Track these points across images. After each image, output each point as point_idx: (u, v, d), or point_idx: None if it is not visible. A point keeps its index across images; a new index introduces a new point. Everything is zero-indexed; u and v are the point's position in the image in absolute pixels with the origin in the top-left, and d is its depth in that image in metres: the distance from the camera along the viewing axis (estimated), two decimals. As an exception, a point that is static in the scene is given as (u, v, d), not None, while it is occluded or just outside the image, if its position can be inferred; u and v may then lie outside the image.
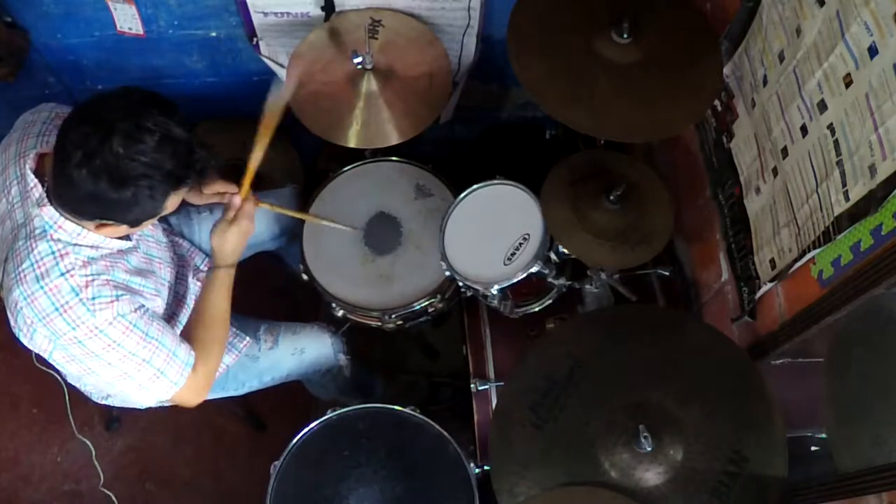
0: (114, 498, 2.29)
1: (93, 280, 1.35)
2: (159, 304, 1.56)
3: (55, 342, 1.35)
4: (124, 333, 1.38)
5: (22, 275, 1.33)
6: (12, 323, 1.38)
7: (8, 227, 1.41)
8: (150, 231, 1.61)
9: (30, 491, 2.35)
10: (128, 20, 1.96)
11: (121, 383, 1.43)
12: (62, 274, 1.33)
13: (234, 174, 1.93)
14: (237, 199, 1.61)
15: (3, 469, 2.37)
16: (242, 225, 1.59)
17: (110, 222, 1.34)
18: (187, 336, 1.55)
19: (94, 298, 1.34)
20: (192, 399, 1.55)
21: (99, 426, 2.37)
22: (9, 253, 1.38)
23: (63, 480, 2.36)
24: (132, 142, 1.24)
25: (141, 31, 1.99)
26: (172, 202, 1.36)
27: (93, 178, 1.24)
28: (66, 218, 1.34)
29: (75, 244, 1.36)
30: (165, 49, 2.07)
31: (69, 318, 1.32)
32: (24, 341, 1.39)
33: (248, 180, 1.63)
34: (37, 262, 1.33)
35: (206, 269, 1.82)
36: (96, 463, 2.34)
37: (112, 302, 1.36)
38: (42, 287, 1.32)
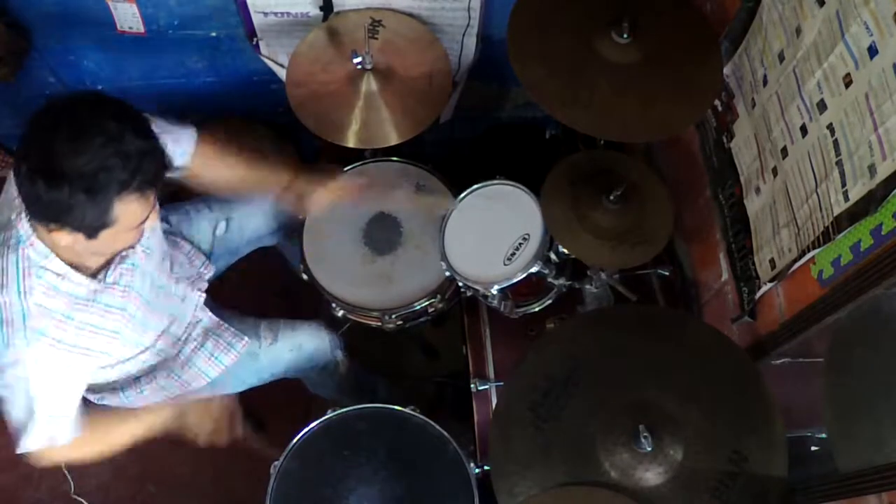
0: (111, 499, 2.29)
1: (44, 314, 1.34)
2: (111, 344, 1.50)
3: None
4: (39, 374, 1.35)
5: None
6: None
7: (4, 218, 1.40)
8: (141, 262, 1.53)
9: (30, 491, 2.34)
10: (128, 19, 1.96)
11: (13, 412, 1.40)
12: (19, 293, 1.31)
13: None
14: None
15: (3, 469, 2.36)
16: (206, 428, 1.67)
17: (59, 227, 1.26)
18: (95, 418, 1.54)
19: (37, 332, 1.33)
20: (35, 457, 1.48)
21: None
22: None
23: (63, 480, 2.36)
24: (75, 138, 1.19)
25: (142, 30, 1.99)
26: (123, 212, 1.26)
27: (30, 175, 1.20)
28: (39, 236, 1.32)
29: (41, 267, 1.34)
30: (165, 49, 2.07)
31: (5, 334, 1.32)
32: None
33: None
34: (3, 269, 1.32)
35: (205, 272, 1.82)
36: (96, 463, 2.34)
37: (52, 345, 1.35)
38: None
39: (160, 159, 1.29)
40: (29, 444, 1.43)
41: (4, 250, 1.33)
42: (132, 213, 1.29)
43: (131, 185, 1.24)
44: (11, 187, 1.41)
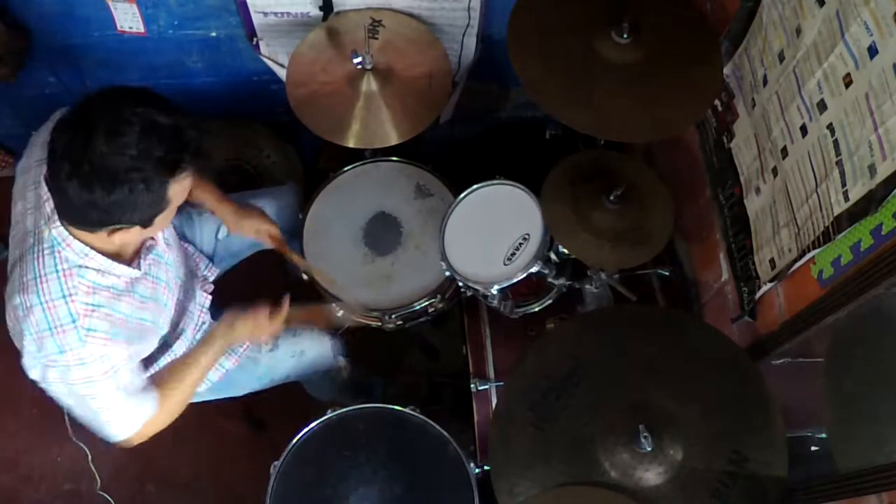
0: (112, 499, 2.29)
1: (92, 311, 1.33)
2: (157, 332, 1.54)
3: (37, 359, 1.33)
4: (104, 374, 1.36)
5: (25, 285, 1.31)
6: (8, 323, 1.37)
7: (21, 232, 1.40)
8: (164, 251, 1.56)
9: (30, 491, 2.34)
10: (128, 19, 1.96)
11: (82, 416, 1.43)
12: (64, 296, 1.31)
13: (234, 174, 1.93)
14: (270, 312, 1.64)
15: (3, 469, 2.36)
16: (260, 335, 1.65)
17: (120, 226, 1.29)
18: (161, 378, 1.55)
19: (89, 330, 1.32)
20: (132, 441, 1.51)
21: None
22: (17, 258, 1.36)
23: (63, 480, 2.36)
24: (114, 137, 1.19)
25: (142, 30, 1.99)
26: (176, 192, 1.29)
27: (85, 185, 1.20)
28: (76, 236, 1.32)
29: (81, 265, 1.33)
30: (165, 49, 2.07)
31: (60, 341, 1.30)
32: (16, 342, 1.38)
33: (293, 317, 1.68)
34: (41, 276, 1.31)
35: (209, 274, 1.83)
36: (96, 463, 2.34)
37: (106, 339, 1.35)
38: (42, 304, 1.30)
39: (195, 129, 1.28)
40: (121, 433, 1.46)
41: (39, 257, 1.32)
42: (182, 189, 1.32)
43: (183, 161, 1.26)
44: (26, 197, 1.41)
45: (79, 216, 1.28)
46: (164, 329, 1.59)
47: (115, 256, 1.39)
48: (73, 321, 1.31)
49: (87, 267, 1.34)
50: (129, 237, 1.33)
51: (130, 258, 1.45)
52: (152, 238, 1.49)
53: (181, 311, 1.66)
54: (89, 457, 2.32)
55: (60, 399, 1.40)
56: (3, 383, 2.44)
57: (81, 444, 2.32)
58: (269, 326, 1.63)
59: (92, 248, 1.33)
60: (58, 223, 1.31)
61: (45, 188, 1.31)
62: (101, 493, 2.31)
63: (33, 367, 1.35)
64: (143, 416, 1.47)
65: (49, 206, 1.32)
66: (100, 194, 1.21)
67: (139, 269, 1.44)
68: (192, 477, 2.36)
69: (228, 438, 2.38)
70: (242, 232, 1.79)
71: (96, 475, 2.32)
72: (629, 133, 1.60)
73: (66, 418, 2.27)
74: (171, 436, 2.36)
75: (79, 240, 1.32)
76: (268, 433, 2.36)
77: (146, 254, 1.47)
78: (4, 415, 2.42)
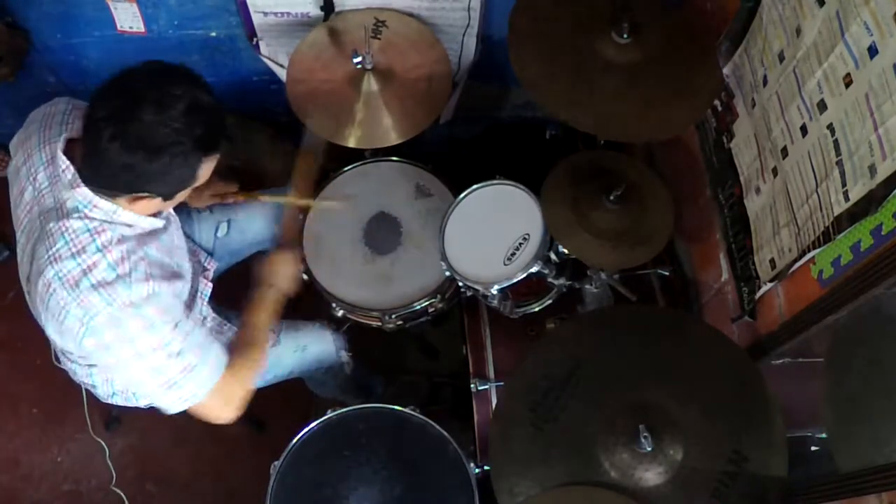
0: (125, 495, 2.30)
1: (129, 255, 1.35)
2: (186, 284, 1.55)
3: (88, 325, 1.32)
4: (158, 315, 1.36)
5: (56, 254, 1.32)
6: (41, 312, 1.37)
7: (35, 213, 1.40)
8: (173, 217, 1.60)
9: (30, 491, 2.34)
10: (129, 19, 1.96)
11: (151, 380, 1.41)
12: (99, 250, 1.32)
13: (234, 174, 1.93)
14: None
15: (3, 469, 2.36)
16: (289, 259, 1.73)
17: (145, 194, 1.34)
18: (232, 346, 1.56)
19: (130, 272, 1.34)
20: (218, 410, 1.51)
21: (99, 426, 2.37)
22: (38, 238, 1.37)
23: (63, 480, 2.36)
24: (162, 109, 1.25)
25: (142, 30, 1.99)
26: (204, 171, 1.36)
27: (127, 148, 1.25)
28: (101, 197, 1.34)
29: (111, 222, 1.36)
30: (165, 49, 2.07)
31: (106, 294, 1.31)
32: (51, 331, 1.38)
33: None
34: (72, 239, 1.32)
35: (209, 266, 1.83)
36: (96, 463, 2.34)
37: (148, 276, 1.36)
38: (79, 264, 1.31)
39: (228, 114, 1.36)
40: (197, 391, 1.44)
41: (63, 223, 1.34)
42: (208, 169, 1.38)
43: (217, 142, 1.34)
44: (37, 180, 1.42)
45: (110, 179, 1.32)
46: (188, 288, 1.59)
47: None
48: (114, 269, 1.32)
49: (114, 223, 1.36)
50: (148, 207, 1.38)
51: (152, 215, 1.47)
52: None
53: (192, 284, 1.66)
54: (93, 453, 2.33)
55: (130, 368, 1.38)
56: (3, 383, 2.45)
57: (85, 441, 2.33)
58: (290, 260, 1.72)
59: (119, 205, 1.37)
60: (82, 187, 1.34)
61: (61, 159, 1.35)
62: (103, 490, 2.31)
63: (86, 338, 1.34)
64: (213, 368, 1.46)
65: (70, 173, 1.34)
66: (141, 158, 1.26)
67: (160, 219, 1.48)
68: (192, 477, 2.36)
69: (228, 438, 2.37)
70: (201, 202, 1.82)
71: (99, 472, 2.32)
72: (629, 133, 1.60)
73: (86, 416, 2.27)
74: (171, 436, 2.39)
75: (105, 200, 1.35)
76: (268, 433, 2.36)
77: (161, 213, 1.50)
78: (4, 415, 2.42)
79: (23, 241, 1.44)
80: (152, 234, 1.46)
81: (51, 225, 1.35)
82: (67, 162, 1.35)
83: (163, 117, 1.25)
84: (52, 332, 1.39)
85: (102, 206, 1.35)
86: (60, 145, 1.37)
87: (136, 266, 1.35)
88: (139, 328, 1.34)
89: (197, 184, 1.39)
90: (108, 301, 1.31)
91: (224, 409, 1.52)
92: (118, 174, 1.30)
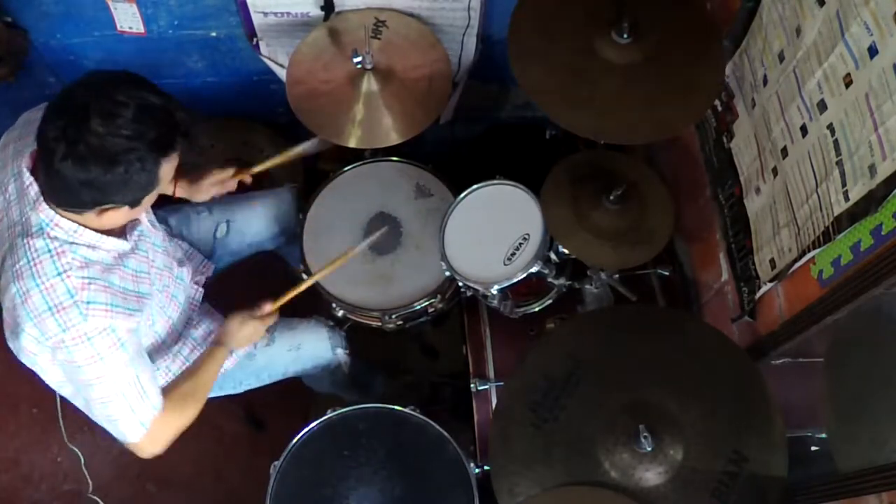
0: (102, 502, 2.29)
1: (88, 283, 1.34)
2: (152, 308, 1.54)
3: (42, 345, 1.33)
4: (110, 349, 1.35)
5: (18, 272, 1.31)
6: (5, 321, 1.37)
7: (5, 225, 1.40)
8: (150, 232, 1.59)
9: (30, 491, 2.34)
10: (128, 19, 1.96)
11: (96, 409, 1.42)
12: (59, 273, 1.31)
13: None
14: (268, 307, 1.69)
15: (3, 469, 2.36)
16: (260, 328, 1.67)
17: (110, 206, 1.32)
18: (170, 386, 1.55)
19: (88, 303, 1.32)
20: (148, 447, 1.51)
21: (99, 426, 2.37)
22: (7, 250, 1.37)
23: (63, 480, 2.36)
24: (110, 118, 1.22)
25: (142, 30, 1.99)
26: (165, 171, 1.33)
27: (81, 165, 1.23)
28: (63, 215, 1.33)
29: (72, 242, 1.34)
30: (165, 49, 2.07)
31: (61, 320, 1.30)
32: (10, 343, 1.38)
33: (281, 301, 1.72)
34: (33, 259, 1.31)
35: (204, 270, 1.82)
36: (95, 463, 2.34)
37: (106, 311, 1.34)
38: (38, 285, 1.30)
39: (182, 110, 1.32)
40: (134, 427, 1.45)
41: (28, 240, 1.33)
42: (170, 169, 1.35)
43: (174, 142, 1.31)
44: (7, 191, 1.41)
45: (71, 197, 1.30)
46: (157, 310, 1.58)
47: (104, 233, 1.40)
48: (72, 296, 1.31)
49: (77, 243, 1.35)
50: (117, 217, 1.36)
51: (118, 235, 1.45)
52: (136, 218, 1.50)
53: (171, 297, 1.66)
54: (93, 454, 2.33)
55: (71, 394, 1.39)
56: (3, 383, 2.45)
57: (86, 441, 2.33)
58: (263, 324, 1.68)
59: (82, 224, 1.35)
60: (44, 205, 1.32)
61: (26, 176, 1.34)
62: (103, 489, 2.31)
63: (40, 354, 1.35)
64: (150, 408, 1.45)
65: (33, 190, 1.33)
66: (97, 172, 1.24)
67: (127, 240, 1.45)
68: (192, 477, 2.36)
69: (228, 438, 2.38)
70: (203, 195, 1.81)
71: (100, 472, 2.32)
72: (630, 135, 1.59)
73: (61, 421, 2.27)
74: (172, 436, 2.39)
75: (67, 219, 1.33)
76: (268, 433, 2.36)
77: (132, 230, 1.48)
78: (4, 415, 2.42)
79: None
80: (118, 258, 1.43)
81: (17, 240, 1.34)
82: (31, 178, 1.33)
83: (112, 127, 1.23)
84: (10, 342, 1.38)
85: (64, 226, 1.33)
86: (26, 161, 1.35)
87: (96, 296, 1.34)
88: (88, 358, 1.34)
89: (162, 185, 1.36)
90: (62, 327, 1.31)
91: (150, 446, 1.52)
92: (78, 191, 1.27)
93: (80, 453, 2.35)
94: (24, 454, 2.39)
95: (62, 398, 1.61)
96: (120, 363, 1.38)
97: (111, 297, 1.37)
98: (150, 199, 1.39)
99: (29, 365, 1.41)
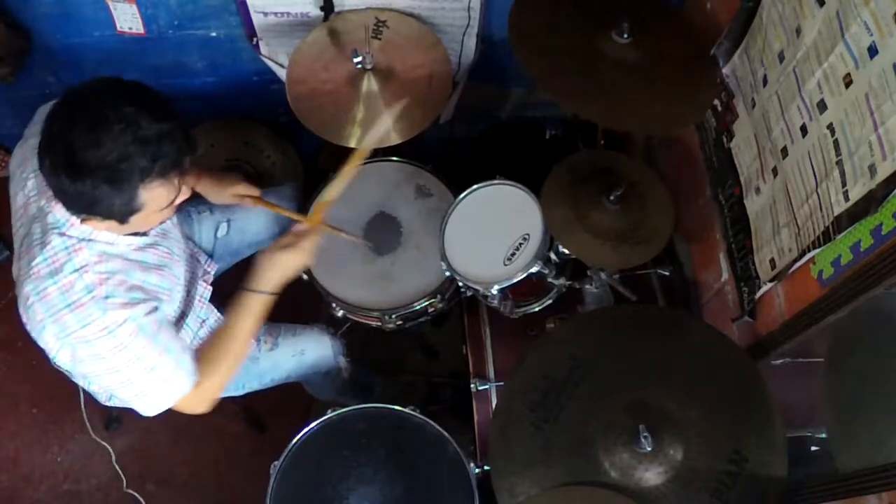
0: (141, 498, 2.30)
1: (107, 278, 1.33)
2: (173, 303, 1.54)
3: (63, 340, 1.32)
4: (132, 335, 1.34)
5: (35, 269, 1.31)
6: (24, 318, 1.36)
7: (24, 220, 1.40)
8: (170, 227, 1.57)
9: (30, 490, 2.34)
10: (128, 20, 1.96)
11: (123, 390, 1.41)
12: (76, 270, 1.30)
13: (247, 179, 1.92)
14: (301, 226, 1.58)
15: (3, 469, 2.36)
16: (298, 255, 1.53)
17: (86, 216, 1.31)
18: (202, 350, 1.53)
19: (106, 297, 1.32)
20: (195, 407, 1.52)
21: (99, 426, 2.37)
22: (26, 246, 1.36)
23: (63, 480, 2.36)
24: (91, 131, 1.19)
25: (142, 30, 1.99)
26: (150, 197, 1.28)
27: (53, 169, 1.22)
28: (76, 217, 1.33)
29: (90, 240, 1.34)
30: (165, 49, 2.07)
31: (80, 316, 1.30)
32: (34, 337, 1.37)
33: (321, 208, 1.61)
34: (50, 257, 1.31)
35: (209, 269, 1.82)
36: (95, 462, 2.34)
37: (125, 304, 1.34)
38: (55, 282, 1.30)
39: (181, 139, 1.27)
40: (168, 397, 1.43)
41: (45, 237, 1.32)
42: (158, 196, 1.30)
43: (153, 171, 1.24)
44: (27, 186, 1.42)
45: (58, 198, 1.30)
46: (178, 303, 1.57)
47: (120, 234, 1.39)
48: (90, 292, 1.30)
49: (95, 241, 1.35)
50: (109, 228, 1.34)
51: (133, 233, 1.43)
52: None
53: (187, 293, 1.65)
54: (93, 453, 2.33)
55: (104, 379, 1.38)
56: (3, 383, 2.45)
57: (85, 440, 2.33)
58: (309, 237, 1.56)
59: (95, 229, 1.35)
60: (59, 204, 1.32)
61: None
62: (102, 489, 2.31)
63: (61, 350, 1.34)
64: (186, 377, 1.44)
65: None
66: (65, 182, 1.22)
67: (147, 235, 1.45)
68: (192, 477, 2.36)
69: (228, 438, 2.38)
70: (224, 200, 1.79)
71: (99, 472, 2.32)
72: (636, 123, 1.58)
73: (85, 416, 2.27)
74: (171, 436, 2.39)
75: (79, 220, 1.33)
76: (268, 433, 2.36)
77: (150, 230, 1.47)
78: (4, 415, 2.42)
79: (17, 244, 1.43)
80: (139, 251, 1.43)
81: (35, 237, 1.34)
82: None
83: (87, 139, 1.19)
84: (34, 336, 1.37)
85: (79, 227, 1.33)
86: None
87: (114, 290, 1.33)
88: (111, 348, 1.33)
89: (149, 210, 1.30)
90: (82, 323, 1.30)
91: (197, 406, 1.52)
92: (57, 193, 1.28)
93: (80, 453, 2.36)
94: (24, 454, 2.39)
95: (69, 397, 1.59)
96: (144, 346, 1.37)
97: (128, 290, 1.36)
98: (142, 219, 1.33)
99: (52, 359, 1.40)
